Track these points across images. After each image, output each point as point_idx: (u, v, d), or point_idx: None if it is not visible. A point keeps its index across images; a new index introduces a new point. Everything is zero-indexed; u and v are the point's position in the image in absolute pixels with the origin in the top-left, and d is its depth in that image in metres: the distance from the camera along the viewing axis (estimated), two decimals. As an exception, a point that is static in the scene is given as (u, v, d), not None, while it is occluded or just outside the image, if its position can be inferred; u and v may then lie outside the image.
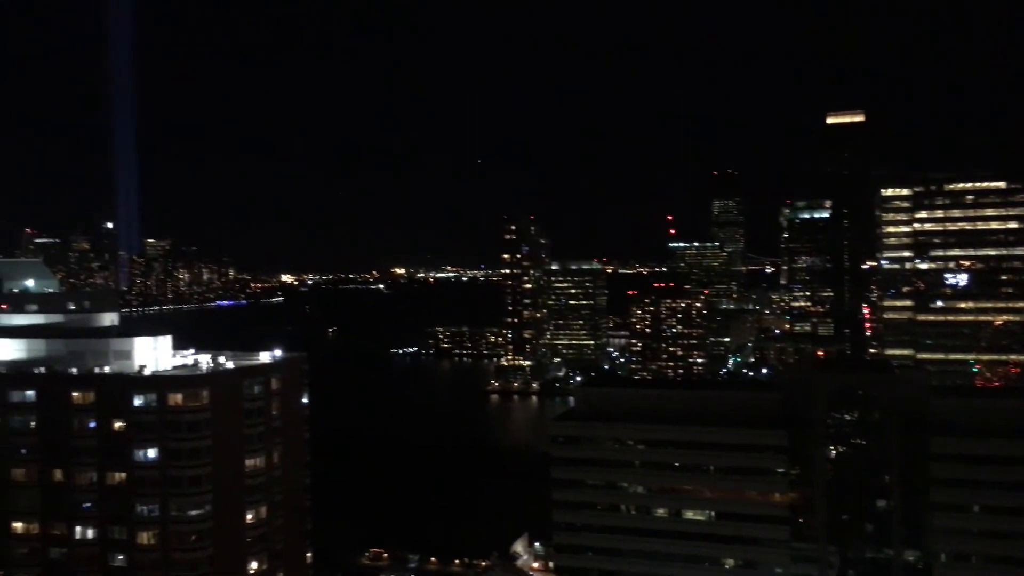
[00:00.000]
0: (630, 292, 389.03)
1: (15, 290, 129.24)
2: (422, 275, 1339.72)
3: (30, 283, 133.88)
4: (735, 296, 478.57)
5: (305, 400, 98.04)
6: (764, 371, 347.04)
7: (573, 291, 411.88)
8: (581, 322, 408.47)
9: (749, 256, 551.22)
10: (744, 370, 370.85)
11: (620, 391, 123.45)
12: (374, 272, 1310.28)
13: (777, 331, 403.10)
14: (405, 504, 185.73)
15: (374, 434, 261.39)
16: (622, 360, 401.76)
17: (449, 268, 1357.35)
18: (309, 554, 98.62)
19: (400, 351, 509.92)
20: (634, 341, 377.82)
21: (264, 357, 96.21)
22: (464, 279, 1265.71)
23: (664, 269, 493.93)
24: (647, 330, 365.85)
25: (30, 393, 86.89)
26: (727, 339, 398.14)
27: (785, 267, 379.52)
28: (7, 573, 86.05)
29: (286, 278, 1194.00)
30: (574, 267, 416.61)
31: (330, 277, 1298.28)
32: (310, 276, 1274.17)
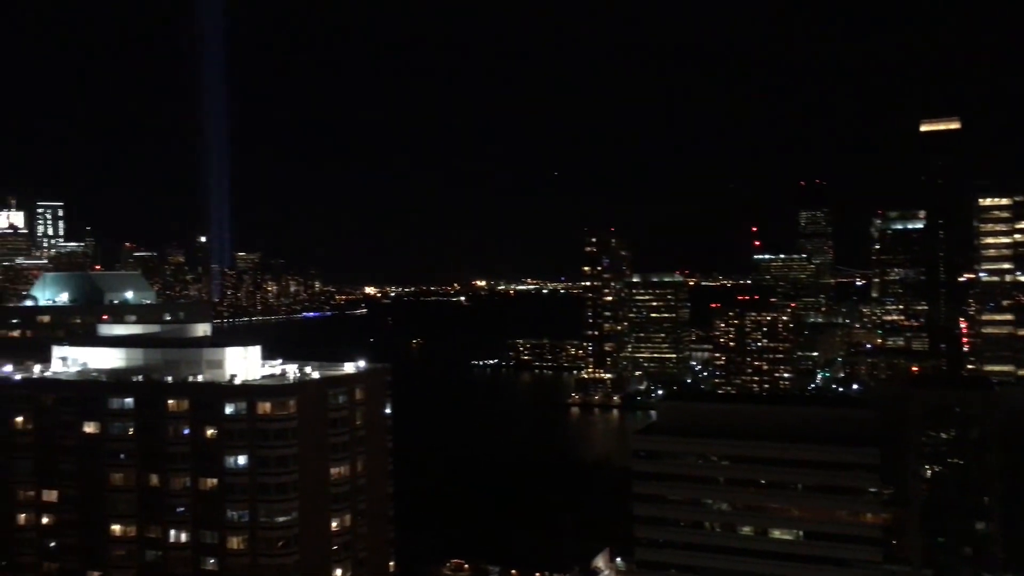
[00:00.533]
0: (713, 305, 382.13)
1: (116, 301, 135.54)
2: (502, 287, 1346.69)
3: (129, 295, 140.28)
4: (823, 309, 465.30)
5: (388, 410, 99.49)
6: (855, 387, 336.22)
7: (655, 304, 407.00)
8: (663, 335, 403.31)
9: (838, 268, 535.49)
10: (833, 386, 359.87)
11: (703, 405, 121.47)
12: (455, 284, 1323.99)
13: (868, 346, 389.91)
14: (485, 516, 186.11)
15: (454, 445, 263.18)
16: (705, 374, 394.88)
17: (529, 280, 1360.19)
18: (392, 563, 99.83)
19: (480, 363, 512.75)
20: (718, 355, 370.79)
21: (348, 368, 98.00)
22: (544, 291, 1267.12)
23: (749, 282, 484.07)
24: (731, 344, 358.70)
25: (129, 400, 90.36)
26: (815, 353, 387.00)
27: (876, 279, 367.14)
28: (105, 573, 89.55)
29: (370, 290, 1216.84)
30: (655, 279, 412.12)
31: (412, 289, 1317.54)
32: (393, 288, 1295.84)
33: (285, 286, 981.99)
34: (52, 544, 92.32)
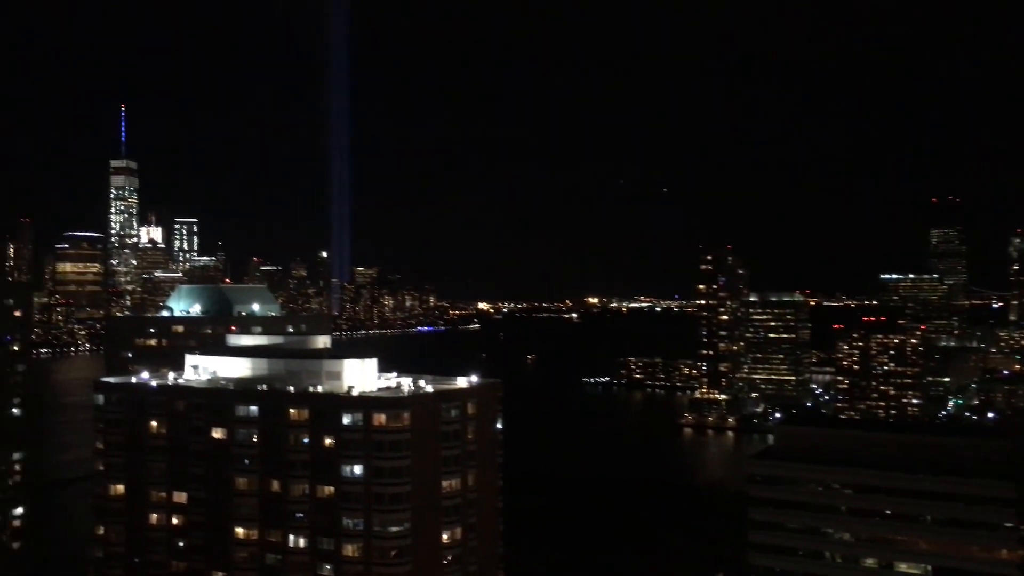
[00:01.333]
0: (836, 326, 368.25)
1: (243, 313, 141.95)
2: (615, 305, 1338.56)
3: (256, 307, 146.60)
4: (956, 332, 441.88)
5: (499, 425, 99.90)
6: (990, 415, 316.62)
7: (773, 323, 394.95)
8: (781, 356, 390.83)
9: (973, 289, 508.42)
10: (967, 414, 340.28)
11: (825, 431, 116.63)
12: (567, 301, 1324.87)
13: (1005, 372, 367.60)
14: (596, 535, 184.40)
15: (564, 463, 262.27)
16: (826, 398, 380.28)
17: (642, 298, 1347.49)
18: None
19: (591, 380, 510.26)
20: (840, 378, 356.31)
21: (461, 382, 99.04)
22: (657, 309, 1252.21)
23: (875, 302, 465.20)
24: (855, 367, 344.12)
25: (253, 408, 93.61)
26: (947, 379, 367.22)
27: (1015, 302, 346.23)
28: (229, 575, 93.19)
29: (482, 305, 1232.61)
30: (774, 298, 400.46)
31: (524, 305, 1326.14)
32: (505, 304, 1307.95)
33: (401, 300, 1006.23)
34: (181, 544, 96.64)
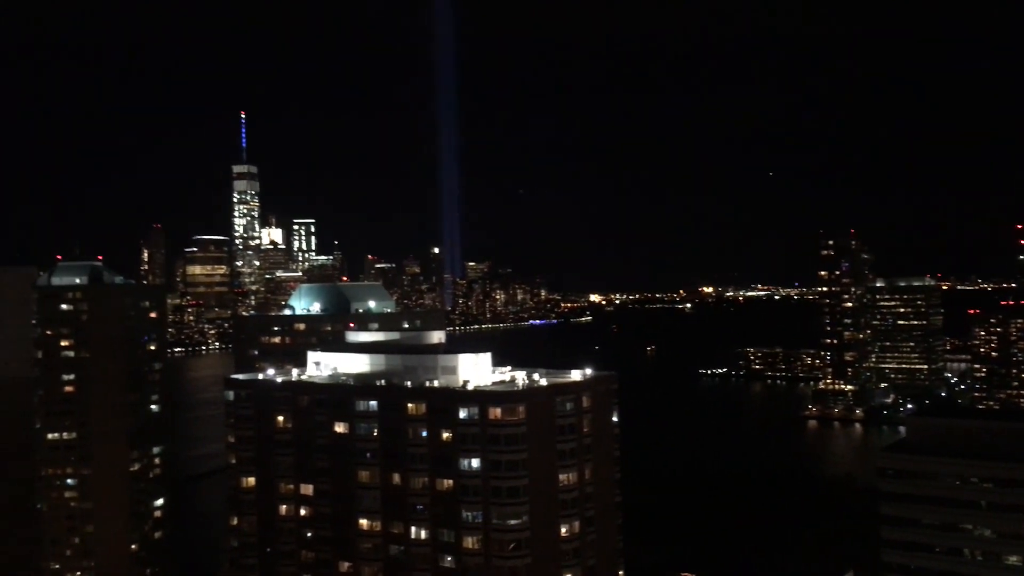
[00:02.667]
0: (972, 311, 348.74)
1: (360, 310, 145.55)
2: (731, 294, 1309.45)
3: (372, 304, 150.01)
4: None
5: (615, 418, 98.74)
6: None
7: (902, 310, 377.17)
8: (912, 344, 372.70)
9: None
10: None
11: (962, 422, 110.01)
12: (681, 291, 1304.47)
13: None
14: (717, 531, 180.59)
15: (684, 456, 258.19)
16: (963, 387, 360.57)
17: (760, 286, 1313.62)
18: (621, 572, 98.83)
19: (708, 372, 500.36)
20: (977, 366, 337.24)
21: (575, 375, 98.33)
22: (776, 298, 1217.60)
23: (1014, 285, 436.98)
24: (994, 354, 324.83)
25: (373, 403, 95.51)
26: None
27: None
28: (355, 565, 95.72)
29: (594, 298, 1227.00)
30: (903, 284, 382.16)
31: (636, 297, 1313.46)
32: (617, 296, 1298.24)
33: (512, 294, 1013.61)
34: (309, 534, 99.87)
